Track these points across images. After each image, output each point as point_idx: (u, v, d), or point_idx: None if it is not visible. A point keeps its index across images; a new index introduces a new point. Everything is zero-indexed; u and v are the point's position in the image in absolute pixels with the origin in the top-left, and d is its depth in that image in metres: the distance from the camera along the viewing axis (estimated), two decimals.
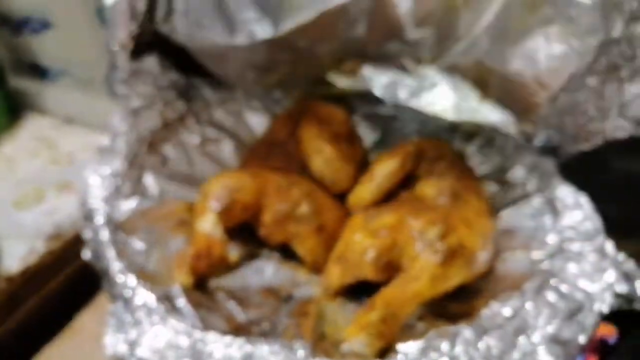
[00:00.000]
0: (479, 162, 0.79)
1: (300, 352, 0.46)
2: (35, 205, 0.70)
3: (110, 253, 0.55)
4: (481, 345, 0.47)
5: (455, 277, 0.57)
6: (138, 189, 0.66)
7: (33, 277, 0.75)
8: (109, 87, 0.91)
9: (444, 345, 0.49)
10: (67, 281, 0.80)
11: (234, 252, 0.66)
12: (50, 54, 1.14)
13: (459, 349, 0.47)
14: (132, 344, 0.48)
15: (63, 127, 1.07)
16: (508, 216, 0.70)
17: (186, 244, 0.63)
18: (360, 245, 0.62)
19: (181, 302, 0.53)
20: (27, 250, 0.73)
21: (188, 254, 0.58)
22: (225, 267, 0.64)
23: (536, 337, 0.48)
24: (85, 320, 0.78)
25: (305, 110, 0.77)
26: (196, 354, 0.46)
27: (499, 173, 0.76)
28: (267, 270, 0.66)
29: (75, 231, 0.80)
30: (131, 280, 0.52)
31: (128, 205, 0.63)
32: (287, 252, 0.69)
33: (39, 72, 1.18)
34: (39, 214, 0.71)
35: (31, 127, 1.16)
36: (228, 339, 0.46)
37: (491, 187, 0.76)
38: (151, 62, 0.78)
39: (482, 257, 0.61)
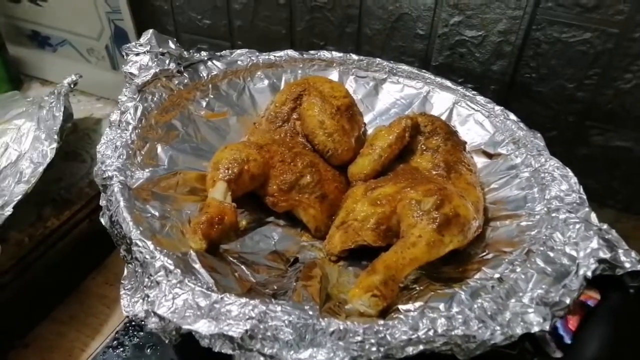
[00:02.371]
0: (471, 137, 0.82)
1: (310, 312, 0.49)
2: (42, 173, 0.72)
3: (127, 219, 0.58)
4: (476, 306, 0.51)
5: (450, 244, 0.61)
6: (149, 160, 0.69)
7: (42, 242, 0.77)
8: (112, 60, 0.93)
9: (442, 306, 0.53)
10: (75, 246, 0.82)
11: (243, 219, 0.69)
12: (51, 23, 1.14)
13: (455, 310, 0.51)
14: (152, 304, 0.51)
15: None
16: (498, 187, 0.74)
17: (198, 210, 0.66)
18: (361, 213, 0.66)
19: (197, 265, 0.56)
20: (36, 216, 0.75)
21: (201, 220, 0.61)
22: (236, 233, 0.67)
23: (526, 299, 0.52)
24: (92, 283, 0.81)
25: (308, 85, 0.79)
26: (214, 313, 0.49)
27: (490, 147, 0.79)
28: (274, 236, 0.70)
29: (82, 198, 0.83)
30: (149, 244, 0.55)
31: (141, 174, 0.65)
32: (291, 219, 0.73)
33: (39, 41, 1.18)
34: (44, 181, 0.73)
35: (32, 94, 1.17)
36: (244, 299, 0.49)
37: (482, 160, 0.79)
38: (154, 36, 0.80)
39: (474, 225, 0.65)
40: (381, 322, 0.48)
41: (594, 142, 0.90)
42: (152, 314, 0.50)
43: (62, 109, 0.81)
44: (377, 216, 0.64)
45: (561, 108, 0.89)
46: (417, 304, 0.55)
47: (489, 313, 0.51)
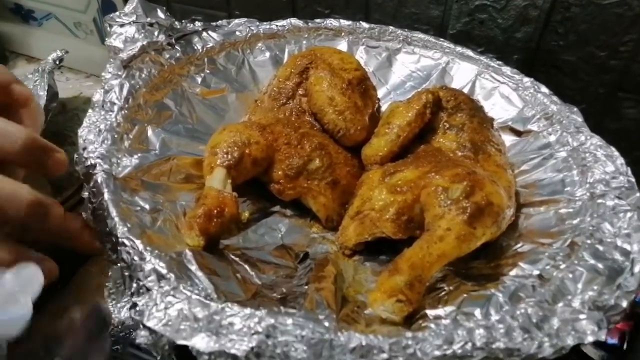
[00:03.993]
0: (497, 113, 0.74)
1: (326, 323, 0.42)
2: None
3: (113, 213, 0.50)
4: (518, 312, 0.44)
5: (483, 236, 0.54)
6: (138, 144, 0.61)
7: None
8: (101, 35, 0.86)
9: (478, 312, 0.46)
10: None
11: (245, 210, 0.62)
12: None
13: (494, 318, 0.44)
14: (141, 314, 0.44)
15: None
16: (530, 169, 0.67)
17: (194, 201, 0.59)
18: (380, 201, 0.59)
19: (193, 267, 0.49)
20: None
21: (198, 214, 0.54)
22: (237, 226, 0.60)
23: (576, 302, 0.45)
24: (86, 274, 0.74)
25: (314, 57, 0.71)
26: (214, 326, 0.42)
27: (519, 123, 0.72)
28: (281, 228, 0.63)
29: (73, 184, 0.76)
30: (138, 244, 0.48)
31: (129, 161, 0.58)
32: (299, 208, 0.65)
33: (22, 14, 1.11)
34: None
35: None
36: (248, 310, 0.42)
37: (510, 138, 0.72)
38: (140, 4, 0.72)
39: (508, 214, 0.57)
40: (409, 334, 0.41)
41: (627, 115, 0.83)
42: (141, 326, 0.43)
43: (47, 88, 0.76)
44: (397, 205, 0.57)
45: (591, 79, 0.83)
46: (448, 308, 0.48)
47: (534, 320, 0.44)
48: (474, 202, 0.54)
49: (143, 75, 0.66)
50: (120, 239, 0.48)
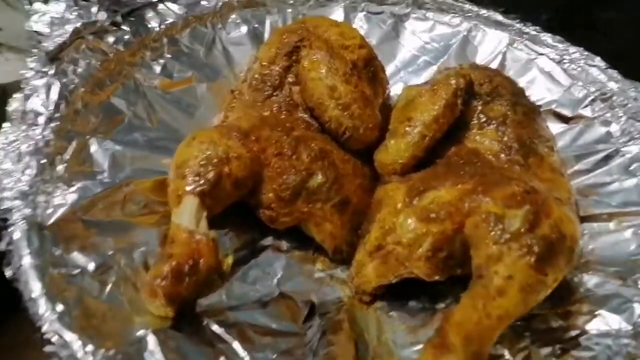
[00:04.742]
0: (536, 93, 0.62)
1: None
2: None
3: (35, 290, 0.36)
4: None
5: (555, 283, 0.42)
6: (78, 166, 0.48)
7: None
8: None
9: None
10: None
11: (228, 254, 0.49)
12: None
13: None
14: None
15: None
16: (587, 169, 0.55)
17: (158, 244, 0.46)
18: (408, 232, 0.46)
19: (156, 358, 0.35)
20: None
21: (163, 273, 0.40)
22: (220, 275, 0.47)
23: None
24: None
25: (306, 32, 0.58)
26: None
27: (566, 107, 0.60)
28: (276, 269, 0.50)
29: None
30: (72, 340, 0.34)
31: (63, 197, 0.44)
32: (298, 237, 0.53)
33: None
34: None
35: None
36: None
37: (555, 126, 0.59)
38: None
39: (581, 243, 0.46)
40: None
41: None
42: None
43: None
44: (432, 238, 0.45)
45: (636, 39, 0.73)
46: None
47: None
48: (542, 236, 0.41)
49: (79, 70, 0.54)
50: (45, 334, 0.33)
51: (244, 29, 0.68)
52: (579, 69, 0.60)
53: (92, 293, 0.39)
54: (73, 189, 0.45)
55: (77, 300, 0.38)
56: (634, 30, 0.73)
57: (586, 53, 0.61)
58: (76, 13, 0.56)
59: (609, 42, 0.72)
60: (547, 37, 0.64)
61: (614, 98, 0.57)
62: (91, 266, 0.41)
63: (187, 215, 0.45)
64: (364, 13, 0.71)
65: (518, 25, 0.66)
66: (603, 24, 0.73)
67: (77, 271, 0.40)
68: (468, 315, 0.39)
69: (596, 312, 0.43)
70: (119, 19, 0.60)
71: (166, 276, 0.40)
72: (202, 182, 0.47)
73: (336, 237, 0.51)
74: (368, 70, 0.58)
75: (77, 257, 0.41)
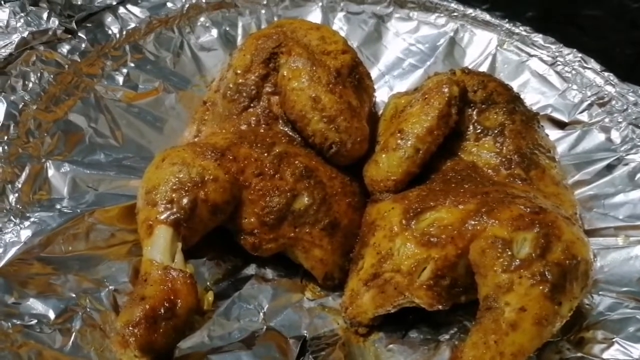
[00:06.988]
0: (529, 97, 0.59)
1: None
2: None
3: None
4: None
5: (569, 313, 0.39)
6: (32, 197, 0.44)
7: None
8: None
9: None
10: None
11: (208, 291, 0.45)
12: None
13: None
14: None
15: None
16: (587, 179, 0.53)
17: (129, 280, 0.43)
18: (407, 258, 0.43)
19: None
20: None
21: (135, 319, 0.36)
22: (200, 314, 0.43)
23: None
24: None
25: (283, 37, 0.54)
26: None
27: (561, 112, 0.58)
28: (262, 301, 0.46)
29: None
30: None
31: (15, 234, 0.40)
32: (284, 265, 0.49)
33: None
34: None
35: None
36: None
37: (553, 133, 0.57)
38: None
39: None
40: None
41: None
42: None
43: None
44: (434, 265, 0.42)
45: (618, 37, 0.73)
46: None
47: None
48: (555, 262, 0.39)
49: (30, 85, 0.53)
50: None
51: (214, 32, 0.66)
52: (573, 71, 0.58)
53: (54, 345, 0.35)
54: (28, 222, 0.41)
55: (35, 356, 0.34)
56: (616, 28, 0.73)
57: (580, 55, 0.59)
58: (23, 20, 0.52)
59: (589, 38, 0.71)
60: (538, 38, 0.61)
61: (613, 103, 0.54)
62: (51, 314, 0.37)
63: (160, 248, 0.41)
64: (344, 13, 0.68)
65: (507, 25, 0.63)
66: (586, 21, 0.72)
67: (34, 321, 0.36)
68: (480, 355, 0.37)
69: (613, 339, 0.40)
70: (73, 25, 0.56)
71: (139, 322, 0.36)
72: (175, 209, 0.43)
73: (326, 263, 0.48)
74: (353, 77, 0.54)
75: (34, 304, 0.37)
